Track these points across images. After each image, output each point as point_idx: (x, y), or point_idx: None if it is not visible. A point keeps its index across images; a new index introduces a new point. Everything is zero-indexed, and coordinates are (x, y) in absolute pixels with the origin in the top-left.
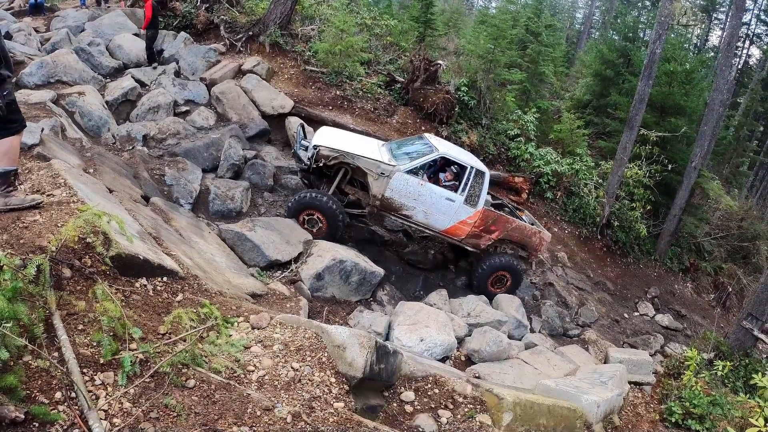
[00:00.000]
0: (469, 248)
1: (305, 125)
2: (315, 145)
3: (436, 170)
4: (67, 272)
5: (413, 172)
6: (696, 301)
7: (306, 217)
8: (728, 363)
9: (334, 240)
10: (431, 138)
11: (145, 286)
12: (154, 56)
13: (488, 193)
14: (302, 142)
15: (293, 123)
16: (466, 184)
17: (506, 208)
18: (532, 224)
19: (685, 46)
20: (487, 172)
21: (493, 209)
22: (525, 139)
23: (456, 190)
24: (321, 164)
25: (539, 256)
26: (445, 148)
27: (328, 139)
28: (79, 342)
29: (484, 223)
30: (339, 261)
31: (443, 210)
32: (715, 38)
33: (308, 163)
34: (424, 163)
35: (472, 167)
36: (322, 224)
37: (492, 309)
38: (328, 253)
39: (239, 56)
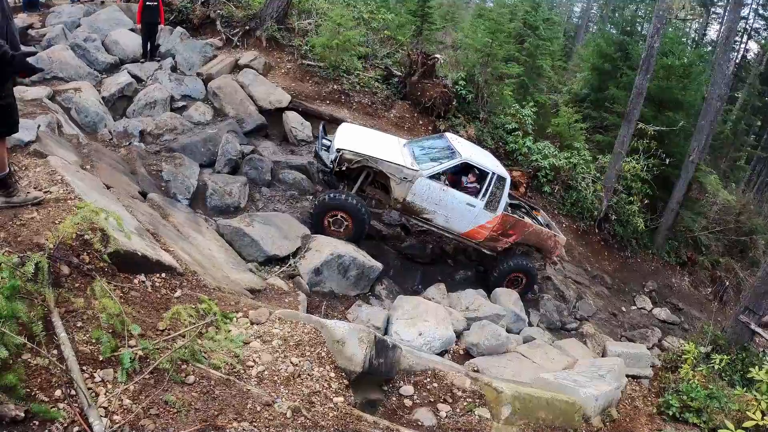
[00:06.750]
0: (486, 251)
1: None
2: (338, 149)
3: (457, 171)
4: (65, 269)
5: (435, 177)
6: (693, 294)
7: (332, 218)
8: (725, 356)
9: (359, 240)
10: (453, 139)
11: (143, 282)
12: (146, 52)
13: None
14: (324, 141)
15: (290, 117)
16: (486, 189)
17: (523, 208)
18: (548, 225)
19: (683, 40)
20: (508, 178)
21: (511, 214)
22: (523, 132)
23: (478, 193)
24: (344, 168)
25: (554, 258)
26: (467, 153)
27: (351, 141)
28: (78, 339)
29: (503, 228)
30: (337, 255)
31: (463, 214)
32: (713, 32)
33: (331, 166)
34: (446, 168)
35: (493, 173)
36: (348, 225)
37: (490, 303)
38: (326, 247)
39: (236, 51)
